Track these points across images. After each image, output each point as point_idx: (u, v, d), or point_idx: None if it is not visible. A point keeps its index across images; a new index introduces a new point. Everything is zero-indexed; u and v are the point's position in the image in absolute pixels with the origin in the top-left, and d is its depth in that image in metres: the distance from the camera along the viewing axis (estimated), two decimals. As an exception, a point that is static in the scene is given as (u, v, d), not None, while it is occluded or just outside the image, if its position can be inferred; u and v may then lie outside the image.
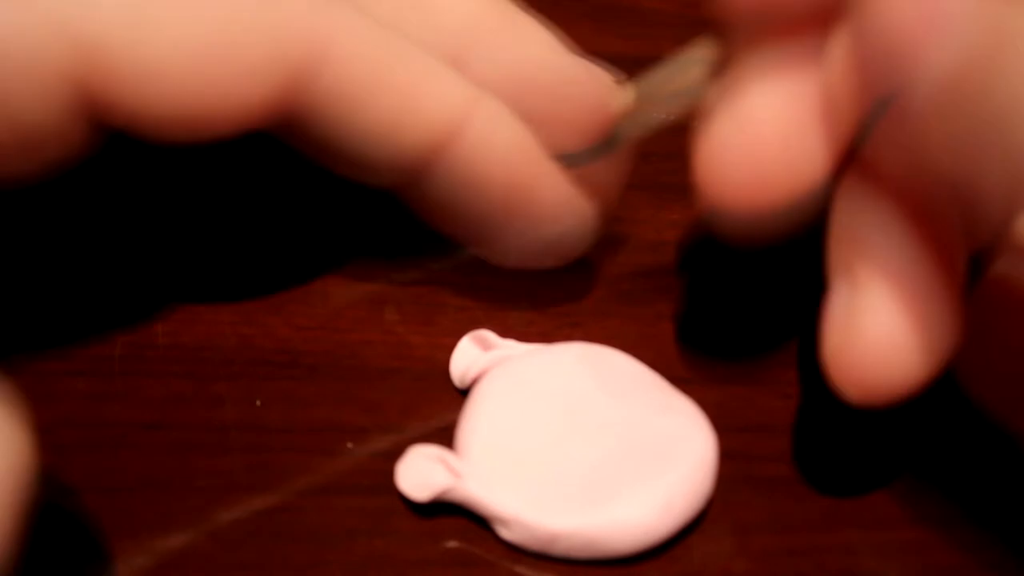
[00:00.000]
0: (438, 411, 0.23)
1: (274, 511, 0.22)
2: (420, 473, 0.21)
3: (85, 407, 0.23)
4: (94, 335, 0.24)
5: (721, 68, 0.19)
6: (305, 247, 0.26)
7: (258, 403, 0.23)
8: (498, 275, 0.25)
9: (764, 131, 0.18)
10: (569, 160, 0.22)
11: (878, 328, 0.18)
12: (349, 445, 0.23)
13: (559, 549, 0.21)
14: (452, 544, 0.21)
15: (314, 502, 0.22)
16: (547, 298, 0.25)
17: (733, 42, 0.18)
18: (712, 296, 0.26)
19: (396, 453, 0.23)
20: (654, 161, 0.27)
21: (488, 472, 0.21)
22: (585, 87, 0.21)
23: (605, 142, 0.22)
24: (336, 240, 0.26)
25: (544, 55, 0.21)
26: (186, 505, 0.22)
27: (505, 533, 0.21)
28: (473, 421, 0.22)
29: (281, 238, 0.26)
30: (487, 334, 0.23)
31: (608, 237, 0.26)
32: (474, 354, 0.23)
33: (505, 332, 0.24)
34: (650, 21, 0.31)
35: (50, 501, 0.22)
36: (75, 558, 0.21)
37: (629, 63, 0.29)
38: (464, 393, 0.23)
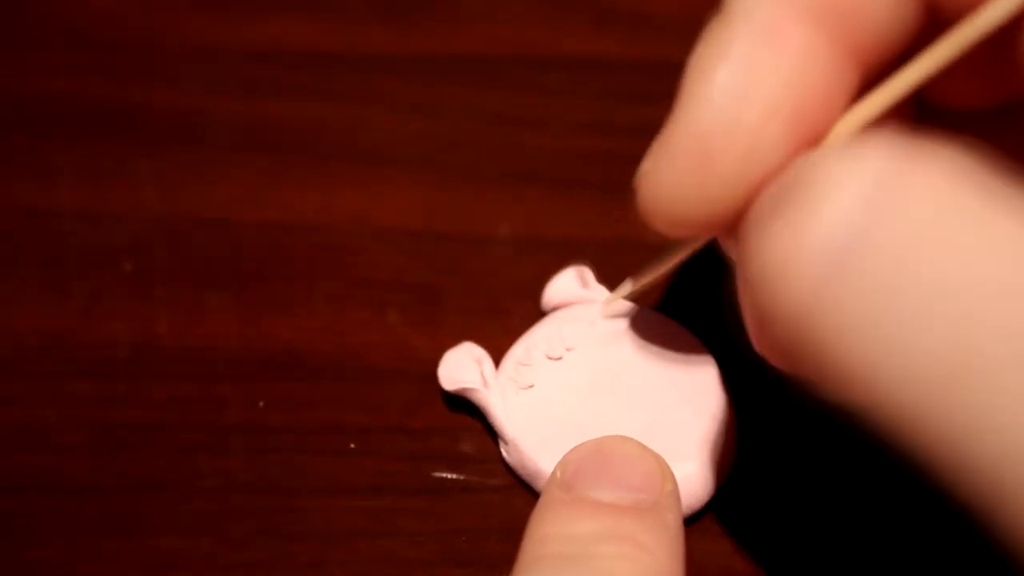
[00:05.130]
0: (440, 412, 0.23)
1: (277, 511, 0.22)
2: (458, 367, 0.23)
3: (88, 408, 0.23)
4: (98, 337, 0.24)
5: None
6: (307, 248, 0.26)
7: (261, 404, 0.23)
8: (499, 276, 0.25)
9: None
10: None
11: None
12: (352, 446, 0.23)
13: (540, 487, 0.22)
14: (455, 544, 0.22)
15: (317, 503, 0.22)
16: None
17: None
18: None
19: (399, 454, 0.23)
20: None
21: (512, 392, 0.22)
22: None
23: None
24: (338, 241, 0.26)
25: None
26: (189, 506, 0.22)
27: (504, 452, 0.22)
28: (528, 343, 0.23)
29: (283, 240, 0.26)
30: (588, 273, 0.24)
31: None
32: (572, 286, 0.24)
33: (506, 333, 0.24)
34: (650, 25, 0.31)
35: (51, 501, 0.22)
36: (76, 558, 0.21)
37: (629, 67, 0.30)
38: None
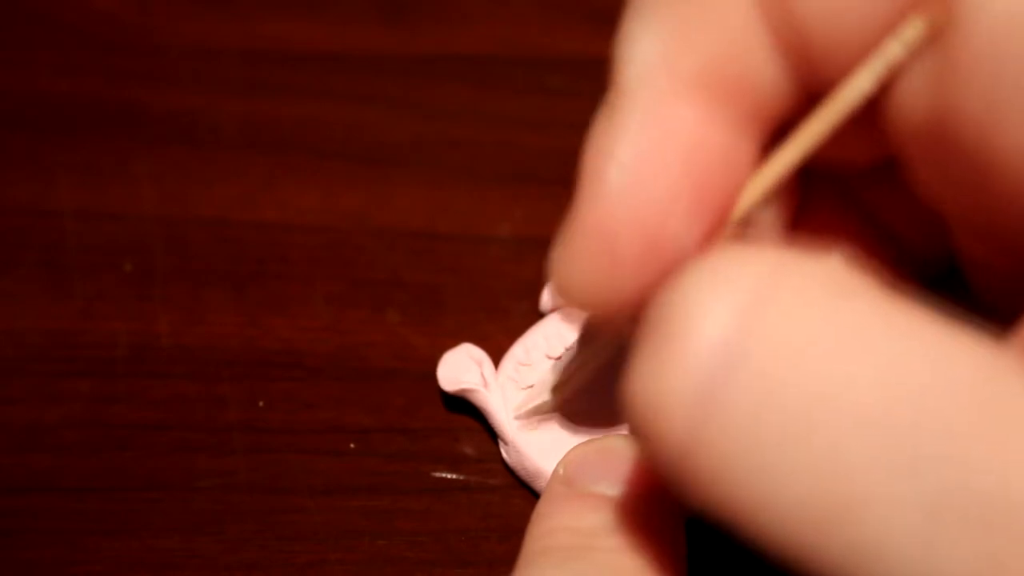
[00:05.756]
0: (440, 411, 0.23)
1: (277, 511, 0.22)
2: (458, 367, 0.23)
3: (88, 408, 0.23)
4: (98, 337, 0.24)
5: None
6: (307, 248, 0.26)
7: (261, 404, 0.23)
8: (499, 276, 0.25)
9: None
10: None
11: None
12: (351, 446, 0.23)
13: (540, 487, 0.22)
14: (455, 544, 0.22)
15: (316, 502, 0.22)
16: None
17: None
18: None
19: (398, 454, 0.23)
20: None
21: (512, 393, 0.22)
22: None
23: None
24: (338, 241, 0.26)
25: None
26: (189, 506, 0.22)
27: (504, 453, 0.22)
28: (528, 343, 0.23)
29: (283, 240, 0.26)
30: None
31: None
32: None
33: (506, 333, 0.24)
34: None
35: (51, 501, 0.22)
36: (76, 558, 0.21)
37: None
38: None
